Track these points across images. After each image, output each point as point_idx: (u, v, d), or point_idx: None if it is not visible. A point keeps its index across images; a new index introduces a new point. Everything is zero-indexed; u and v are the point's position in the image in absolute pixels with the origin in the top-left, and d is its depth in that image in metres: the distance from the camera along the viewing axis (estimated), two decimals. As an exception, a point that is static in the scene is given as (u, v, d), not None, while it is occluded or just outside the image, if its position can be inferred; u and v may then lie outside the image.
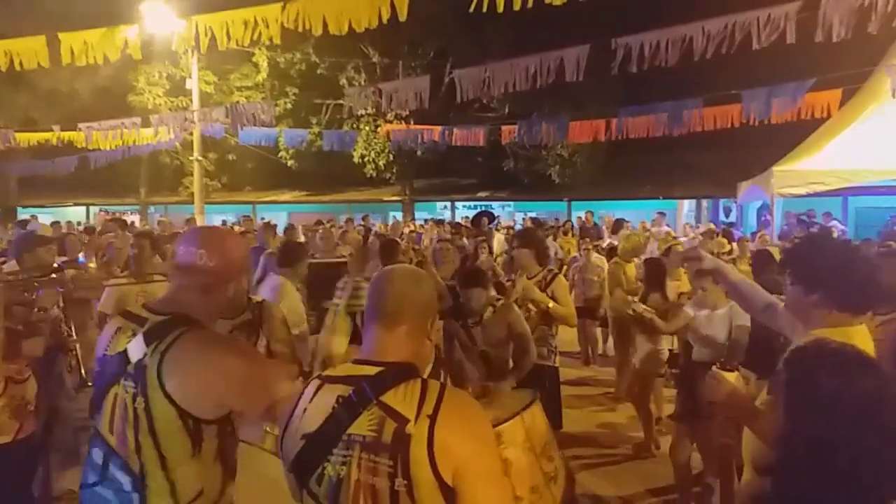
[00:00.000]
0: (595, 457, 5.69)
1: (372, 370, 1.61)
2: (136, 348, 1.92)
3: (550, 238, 12.25)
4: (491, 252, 9.13)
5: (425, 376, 1.67)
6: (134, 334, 1.96)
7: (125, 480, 1.90)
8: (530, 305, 4.67)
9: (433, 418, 1.50)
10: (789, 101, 11.18)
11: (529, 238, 5.26)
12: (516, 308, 4.22)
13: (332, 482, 1.56)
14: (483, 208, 23.97)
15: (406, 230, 13.88)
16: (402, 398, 1.55)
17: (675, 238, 9.36)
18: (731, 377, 2.43)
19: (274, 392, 2.02)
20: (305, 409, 1.66)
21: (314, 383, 1.70)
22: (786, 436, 1.72)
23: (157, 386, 1.86)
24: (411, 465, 1.48)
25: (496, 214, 16.96)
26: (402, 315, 1.67)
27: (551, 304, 4.67)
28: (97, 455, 1.97)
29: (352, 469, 1.54)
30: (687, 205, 23.63)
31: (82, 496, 2.02)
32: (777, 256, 4.22)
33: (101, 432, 1.97)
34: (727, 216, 20.74)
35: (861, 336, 2.22)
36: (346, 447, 1.55)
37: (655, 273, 5.86)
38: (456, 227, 14.43)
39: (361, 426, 1.54)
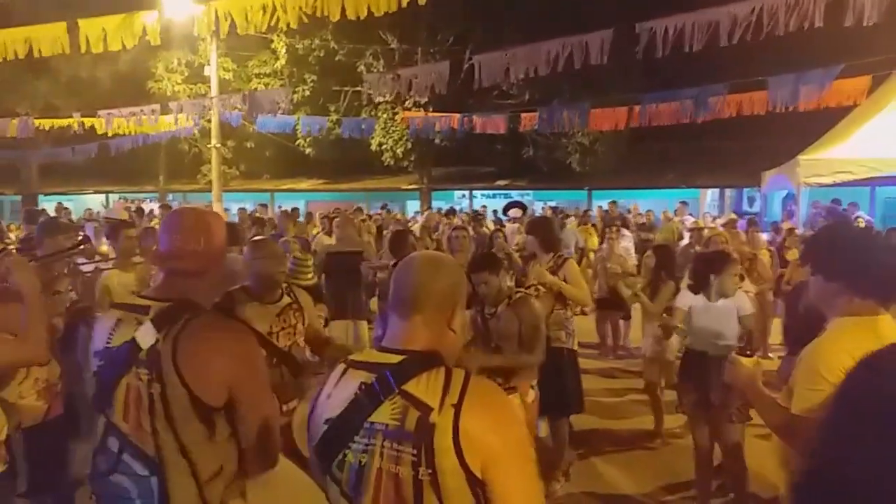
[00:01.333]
0: (614, 451, 5.61)
1: (395, 358, 1.59)
2: (146, 335, 1.91)
3: (572, 226, 12.13)
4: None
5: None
6: (139, 323, 1.95)
7: (142, 467, 1.91)
8: (543, 290, 4.69)
9: (458, 407, 1.47)
10: (816, 88, 10.97)
11: (535, 225, 5.37)
12: (534, 302, 4.15)
13: (354, 469, 1.55)
14: (503, 197, 23.94)
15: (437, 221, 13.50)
16: (425, 387, 1.52)
17: (709, 227, 9.19)
18: (750, 363, 2.45)
19: (267, 391, 2.05)
20: (330, 394, 1.64)
21: (340, 367, 1.68)
22: (841, 447, 1.63)
23: (173, 371, 1.87)
24: (436, 455, 1.45)
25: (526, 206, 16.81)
26: (416, 304, 1.63)
27: (563, 285, 4.75)
28: (112, 444, 1.97)
29: (374, 457, 1.52)
30: (710, 194, 23.30)
31: (95, 486, 2.02)
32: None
33: (115, 422, 1.96)
34: (751, 206, 20.44)
35: (887, 325, 2.17)
36: (369, 435, 1.53)
37: (664, 260, 5.90)
38: (476, 216, 14.32)
39: (384, 414, 1.52)
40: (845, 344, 2.07)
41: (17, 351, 2.50)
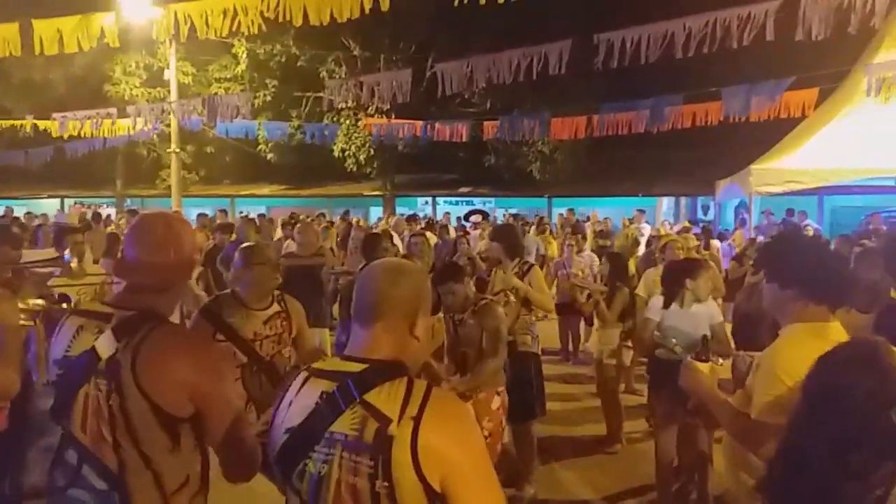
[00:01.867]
0: (574, 456, 5.67)
1: (357, 367, 1.57)
2: (105, 344, 1.85)
3: (532, 233, 12.27)
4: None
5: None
6: (100, 331, 1.89)
7: (102, 482, 1.85)
8: (509, 294, 4.79)
9: (417, 420, 1.46)
10: (768, 99, 11.31)
11: (499, 232, 5.51)
12: (498, 309, 4.19)
13: (314, 479, 1.53)
14: (465, 204, 24.06)
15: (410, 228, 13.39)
16: (385, 397, 1.50)
17: (667, 234, 9.38)
18: (706, 368, 2.46)
19: (233, 400, 2.01)
20: (291, 402, 1.62)
21: (302, 375, 1.67)
22: (805, 434, 1.75)
23: (132, 382, 1.81)
24: (393, 468, 1.44)
25: (488, 213, 16.93)
26: (378, 311, 1.62)
27: (528, 290, 4.85)
28: (70, 456, 1.90)
29: (333, 468, 1.50)
30: (666, 202, 23.83)
31: (52, 500, 1.95)
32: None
33: (74, 433, 1.90)
34: (705, 214, 20.95)
35: (837, 331, 2.25)
36: (329, 445, 1.51)
37: (618, 267, 6.05)
38: (437, 223, 14.39)
39: (344, 424, 1.50)
40: (801, 349, 2.12)
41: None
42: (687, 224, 11.82)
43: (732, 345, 4.52)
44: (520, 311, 4.88)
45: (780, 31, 8.16)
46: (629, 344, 6.13)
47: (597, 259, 8.34)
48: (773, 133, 12.29)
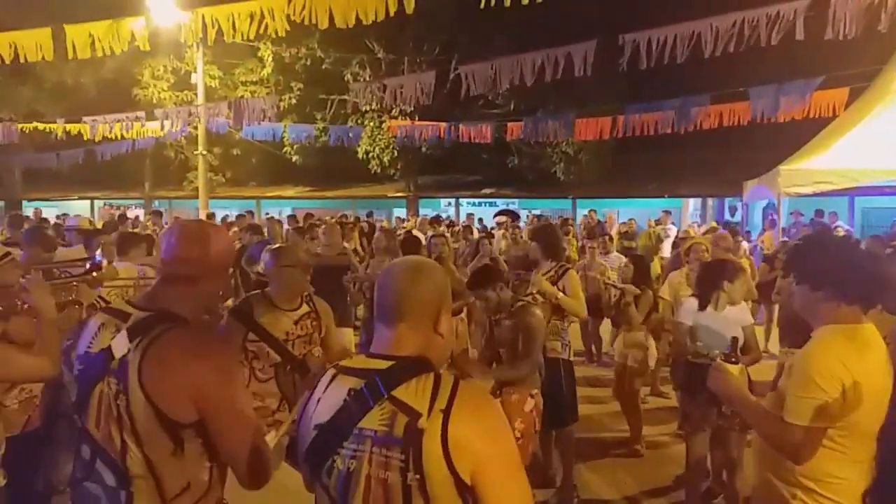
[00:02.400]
0: (598, 457, 5.66)
1: (384, 364, 1.60)
2: (119, 344, 1.87)
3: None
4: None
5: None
6: (118, 330, 1.91)
7: (111, 477, 1.87)
8: (541, 299, 4.71)
9: (447, 413, 1.48)
10: (797, 98, 11.15)
11: (539, 232, 5.37)
12: (535, 310, 4.16)
13: (342, 475, 1.55)
14: (489, 205, 24.04)
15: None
16: (413, 392, 1.52)
17: (693, 236, 9.27)
18: (735, 370, 2.45)
19: (244, 407, 1.95)
20: (319, 399, 1.65)
21: (329, 373, 1.70)
22: None
23: (137, 383, 1.81)
24: (424, 460, 1.46)
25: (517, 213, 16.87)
26: (400, 311, 1.64)
27: (560, 296, 4.75)
28: (85, 451, 1.94)
29: (363, 464, 1.52)
30: (692, 203, 23.55)
31: (73, 492, 2.00)
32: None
33: (89, 429, 1.93)
34: (732, 215, 20.68)
35: (871, 333, 2.23)
36: (358, 441, 1.53)
37: (642, 270, 6.01)
38: (463, 226, 14.39)
39: (373, 420, 1.52)
40: (835, 351, 2.14)
41: (35, 366, 2.50)
42: (714, 224, 11.64)
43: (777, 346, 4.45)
44: (551, 315, 4.77)
45: (810, 30, 8.06)
46: (651, 346, 6.08)
47: (623, 259, 8.27)
48: (801, 133, 12.07)
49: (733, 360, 2.49)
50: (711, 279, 4.29)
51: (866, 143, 10.24)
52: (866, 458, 2.24)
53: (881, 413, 2.21)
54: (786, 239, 10.15)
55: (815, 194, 11.09)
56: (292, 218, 14.46)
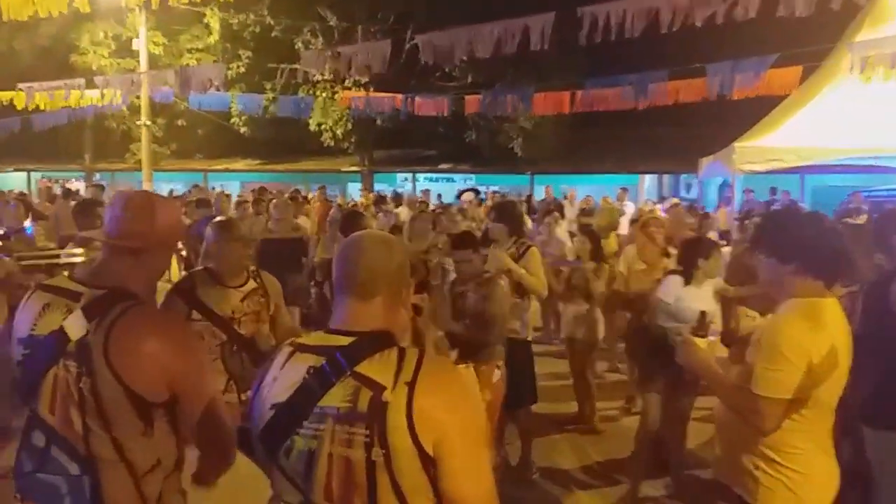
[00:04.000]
0: (556, 433, 5.70)
1: (345, 340, 1.55)
2: (75, 325, 1.79)
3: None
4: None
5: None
6: (69, 310, 1.82)
7: (72, 464, 1.80)
8: (503, 277, 4.56)
9: (412, 385, 1.45)
10: (752, 75, 11.25)
11: (503, 212, 5.20)
12: (502, 284, 4.17)
13: (303, 456, 1.50)
14: (445, 181, 23.85)
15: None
16: (378, 367, 1.49)
17: (650, 212, 9.26)
18: (703, 343, 2.54)
19: (210, 383, 1.98)
20: (276, 378, 1.58)
21: (286, 350, 1.63)
22: None
23: (104, 365, 1.76)
24: (388, 433, 1.42)
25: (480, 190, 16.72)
26: (375, 284, 1.60)
27: (523, 273, 4.68)
28: (37, 438, 1.85)
29: (324, 443, 1.48)
30: (648, 180, 23.76)
31: (21, 484, 1.89)
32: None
33: (41, 415, 1.84)
34: (688, 192, 20.95)
35: (833, 307, 2.30)
36: (318, 420, 1.48)
37: (597, 245, 6.11)
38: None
39: (335, 398, 1.48)
40: (803, 324, 2.20)
41: None
42: (675, 201, 11.69)
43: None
44: (512, 294, 4.65)
45: (765, 8, 8.08)
46: (600, 320, 6.09)
47: (568, 238, 8.22)
48: (757, 111, 12.20)
49: (701, 334, 2.59)
50: (692, 256, 4.37)
51: (817, 121, 10.38)
52: (825, 430, 2.33)
53: (841, 387, 2.28)
54: (743, 215, 10.24)
55: (768, 172, 11.22)
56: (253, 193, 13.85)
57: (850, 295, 3.51)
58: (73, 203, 9.78)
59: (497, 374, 4.12)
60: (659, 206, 12.37)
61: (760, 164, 10.88)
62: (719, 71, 11.48)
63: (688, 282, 4.32)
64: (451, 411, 1.47)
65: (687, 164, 16.24)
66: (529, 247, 4.90)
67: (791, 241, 2.31)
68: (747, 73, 11.21)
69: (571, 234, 8.45)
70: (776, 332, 2.23)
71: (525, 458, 4.89)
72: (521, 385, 4.63)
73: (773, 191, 13.48)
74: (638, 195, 19.10)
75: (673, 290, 4.36)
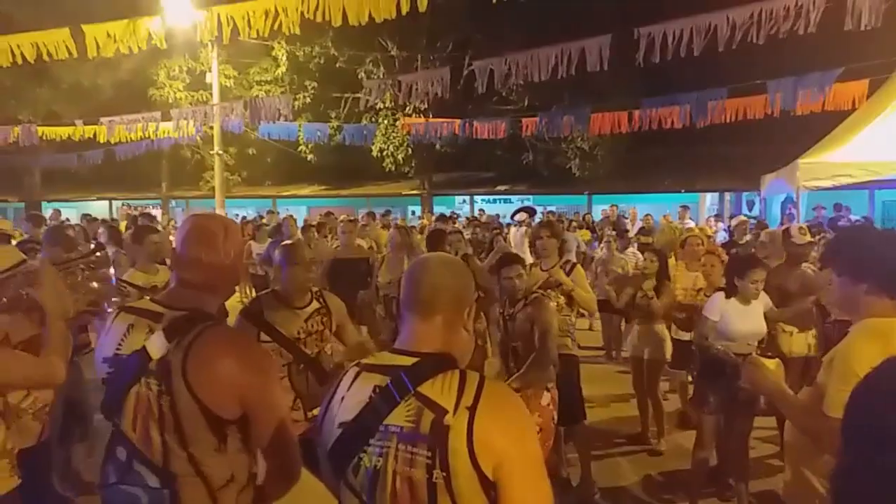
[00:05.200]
0: (616, 454, 5.64)
1: (409, 360, 1.59)
2: (157, 345, 1.87)
3: (576, 231, 12.19)
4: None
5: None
6: (151, 330, 1.91)
7: (152, 478, 1.88)
8: (554, 292, 4.73)
9: (472, 410, 1.47)
10: (815, 91, 10.99)
11: (556, 229, 5.36)
12: (548, 302, 4.20)
13: (369, 473, 1.54)
14: (503, 202, 23.96)
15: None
16: (440, 389, 1.52)
17: (700, 230, 9.18)
18: (772, 364, 2.46)
19: (280, 402, 2.02)
20: (343, 398, 1.63)
21: (353, 371, 1.68)
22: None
23: (182, 383, 1.83)
24: (450, 457, 1.45)
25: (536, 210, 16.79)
26: (437, 305, 1.63)
27: (576, 289, 4.78)
28: (120, 453, 1.94)
29: (388, 460, 1.51)
30: (709, 198, 23.32)
31: (105, 495, 1.98)
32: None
33: (124, 431, 1.93)
34: (750, 209, 20.43)
35: None
36: (384, 438, 1.52)
37: (664, 264, 5.93)
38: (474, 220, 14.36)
39: (399, 417, 1.52)
40: (876, 344, 2.09)
41: (37, 369, 2.42)
42: (743, 218, 11.39)
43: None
44: (562, 309, 4.80)
45: (829, 21, 7.96)
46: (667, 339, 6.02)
47: (640, 255, 8.19)
48: (821, 126, 11.92)
49: (769, 354, 2.54)
50: (737, 272, 4.26)
51: (885, 135, 10.09)
52: None
53: None
54: (823, 229, 9.93)
55: (835, 188, 10.94)
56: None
57: None
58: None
59: (547, 398, 4.04)
60: (721, 224, 12.19)
61: (827, 180, 10.63)
62: (781, 87, 11.27)
63: (729, 296, 4.21)
64: (510, 436, 1.48)
65: (749, 181, 15.95)
66: (574, 265, 5.03)
67: (863, 259, 2.24)
68: (810, 89, 10.98)
69: (640, 251, 8.46)
70: (849, 352, 2.17)
71: (585, 478, 4.82)
72: (572, 402, 4.64)
73: (838, 207, 13.08)
74: (698, 213, 18.77)
75: (719, 307, 4.26)
